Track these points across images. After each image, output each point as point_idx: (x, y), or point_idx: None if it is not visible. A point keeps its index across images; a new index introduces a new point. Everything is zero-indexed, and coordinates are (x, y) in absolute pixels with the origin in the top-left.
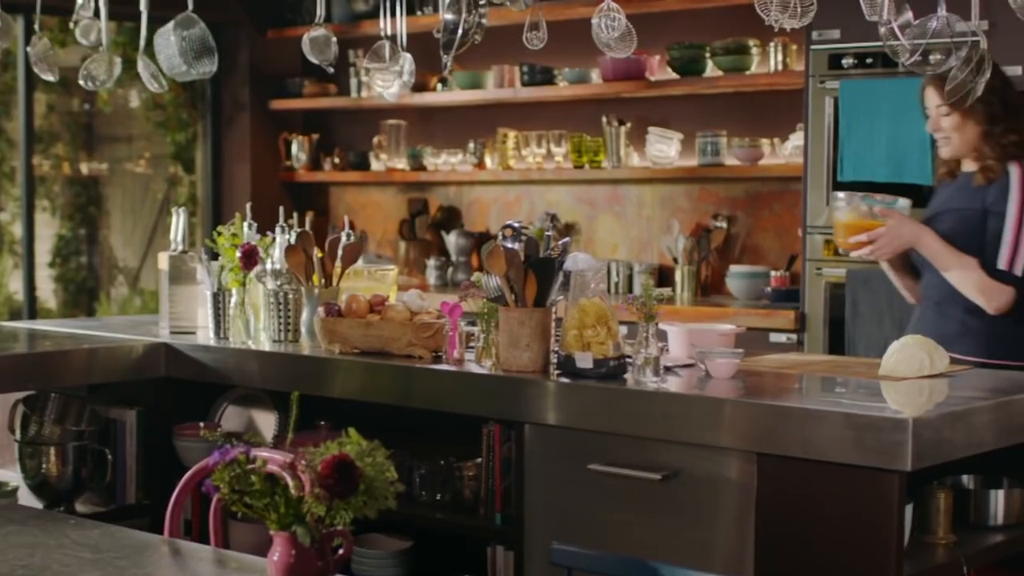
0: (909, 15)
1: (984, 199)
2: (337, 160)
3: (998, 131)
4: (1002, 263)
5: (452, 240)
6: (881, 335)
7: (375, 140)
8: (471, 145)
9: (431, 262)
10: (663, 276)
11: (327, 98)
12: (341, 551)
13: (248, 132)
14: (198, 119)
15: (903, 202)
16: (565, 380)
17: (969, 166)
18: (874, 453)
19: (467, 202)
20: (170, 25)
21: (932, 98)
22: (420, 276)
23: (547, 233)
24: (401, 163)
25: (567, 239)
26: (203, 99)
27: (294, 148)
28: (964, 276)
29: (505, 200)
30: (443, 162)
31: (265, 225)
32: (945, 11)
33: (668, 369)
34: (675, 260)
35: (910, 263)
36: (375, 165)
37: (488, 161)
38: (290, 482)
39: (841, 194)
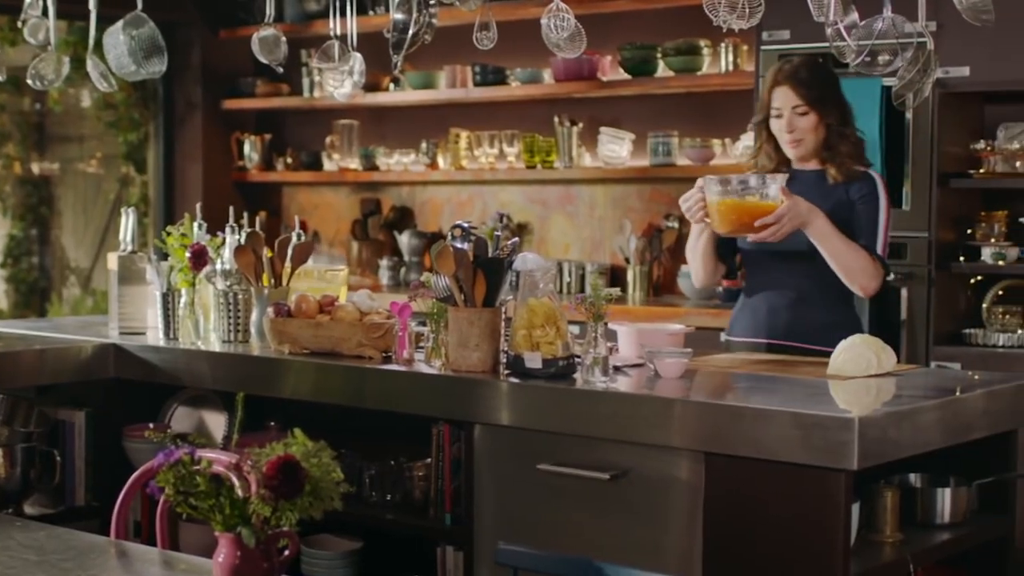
0: (855, 16)
1: (848, 193)
2: (289, 160)
3: (848, 131)
4: (880, 248)
5: (405, 240)
6: None
7: (327, 140)
8: (423, 145)
9: (384, 262)
10: (615, 276)
11: (279, 98)
12: (287, 552)
13: (200, 132)
14: (150, 119)
15: (781, 178)
16: (514, 380)
17: (811, 164)
18: (821, 452)
19: (420, 202)
20: (119, 24)
21: (788, 98)
22: (373, 276)
23: (496, 233)
24: (354, 163)
25: (516, 239)
26: (155, 99)
27: (246, 148)
28: (854, 257)
29: (458, 200)
30: (395, 162)
31: (218, 225)
32: (891, 12)
33: (617, 369)
34: (627, 260)
35: (720, 247)
36: (327, 165)
37: (441, 161)
38: (236, 483)
39: (713, 177)
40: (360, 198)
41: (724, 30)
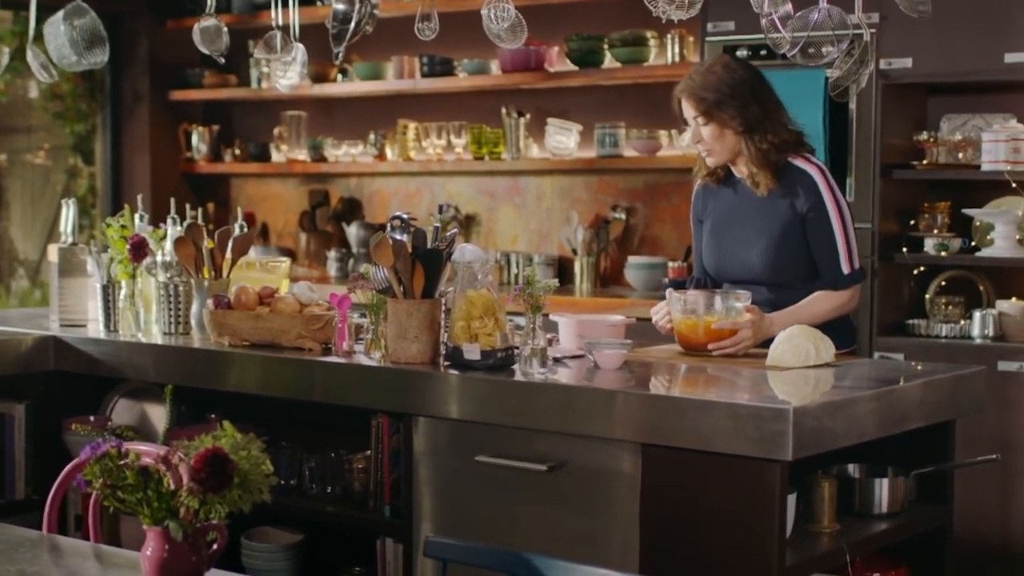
0: (788, 7)
1: (794, 205)
2: (238, 151)
3: (756, 137)
4: (844, 268)
5: (353, 232)
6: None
7: (276, 131)
8: (371, 136)
9: (332, 254)
10: (563, 267)
11: (227, 89)
12: (215, 545)
13: (148, 123)
14: (97, 110)
15: (745, 296)
16: (453, 372)
17: (742, 171)
18: (756, 443)
19: (368, 193)
20: (59, 15)
21: (688, 110)
22: (321, 268)
23: (435, 225)
24: (302, 154)
25: (455, 231)
26: (102, 90)
27: (194, 139)
28: (824, 311)
29: (406, 192)
30: (344, 153)
31: (165, 217)
32: (826, 3)
33: (557, 360)
34: (574, 251)
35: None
36: (276, 156)
37: (389, 152)
38: (168, 475)
39: (678, 295)
40: (308, 189)
41: (663, 21)
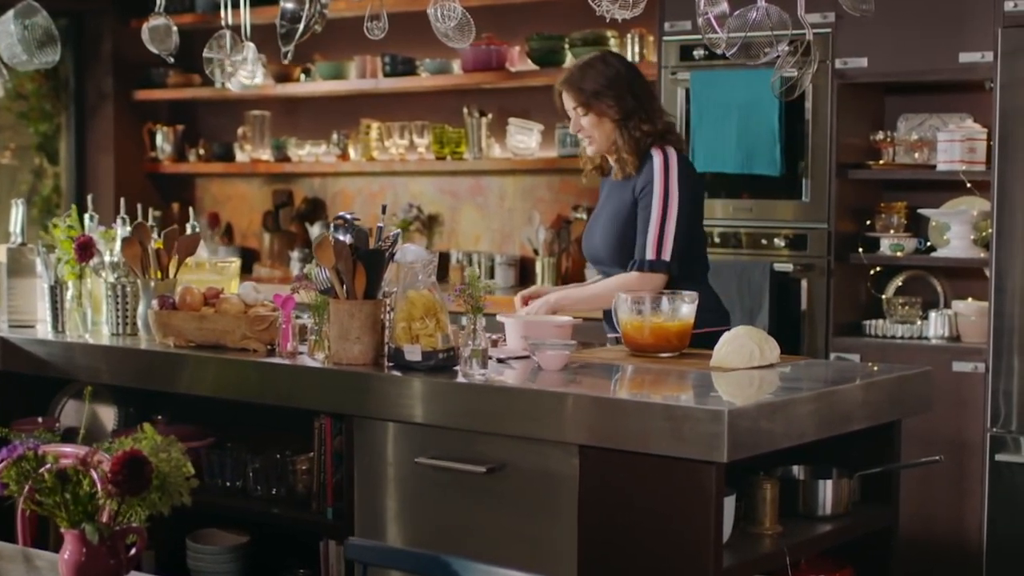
0: (724, 6)
1: (634, 189)
2: (202, 151)
3: (631, 124)
4: (649, 253)
5: (316, 232)
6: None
7: (240, 131)
8: (334, 136)
9: (295, 254)
10: (524, 268)
11: (191, 88)
12: (135, 548)
13: (112, 123)
14: (62, 110)
15: (690, 296)
16: (394, 373)
17: (613, 159)
18: (691, 444)
19: (331, 193)
20: (10, 14)
21: (568, 101)
22: (284, 268)
23: (379, 224)
24: (266, 154)
25: (398, 231)
26: (66, 89)
27: (159, 139)
28: (610, 298)
29: (369, 191)
30: (307, 153)
31: (132, 217)
32: (765, 2)
33: (502, 361)
34: (536, 252)
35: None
36: (240, 156)
37: (352, 152)
38: (94, 477)
39: (626, 296)
40: (272, 189)
41: (607, 20)
